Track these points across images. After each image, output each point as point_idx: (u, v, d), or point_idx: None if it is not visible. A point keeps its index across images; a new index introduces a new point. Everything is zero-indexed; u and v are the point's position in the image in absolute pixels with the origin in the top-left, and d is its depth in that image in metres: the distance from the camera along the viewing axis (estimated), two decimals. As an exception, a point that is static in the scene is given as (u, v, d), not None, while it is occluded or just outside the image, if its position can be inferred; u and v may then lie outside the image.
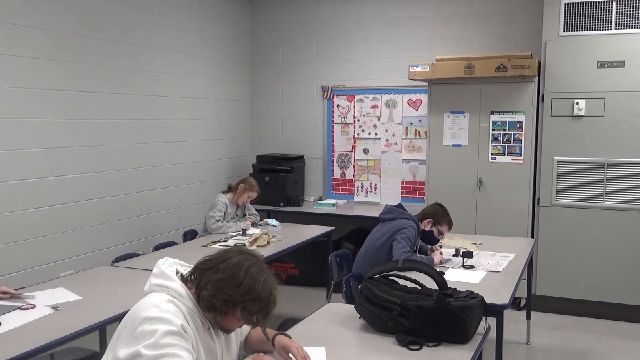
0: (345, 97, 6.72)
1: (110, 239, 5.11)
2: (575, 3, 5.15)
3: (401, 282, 2.81)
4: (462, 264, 3.85)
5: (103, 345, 3.49)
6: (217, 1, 6.47)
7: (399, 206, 4.26)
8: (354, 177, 6.78)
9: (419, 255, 4.05)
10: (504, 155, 5.45)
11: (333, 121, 6.80)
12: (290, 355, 2.22)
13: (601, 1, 5.07)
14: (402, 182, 6.54)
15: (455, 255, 4.02)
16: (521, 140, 5.39)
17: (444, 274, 3.41)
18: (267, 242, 4.53)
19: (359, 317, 2.76)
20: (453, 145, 5.62)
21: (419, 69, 5.52)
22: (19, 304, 2.93)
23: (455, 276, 3.55)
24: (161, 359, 1.79)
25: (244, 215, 5.39)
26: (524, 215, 5.41)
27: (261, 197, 5.45)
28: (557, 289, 5.40)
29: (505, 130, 5.44)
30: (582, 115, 5.21)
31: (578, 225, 5.30)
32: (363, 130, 6.67)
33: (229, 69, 6.72)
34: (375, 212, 4.55)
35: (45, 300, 3.01)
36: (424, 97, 6.18)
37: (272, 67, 7.02)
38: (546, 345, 4.74)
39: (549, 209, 5.38)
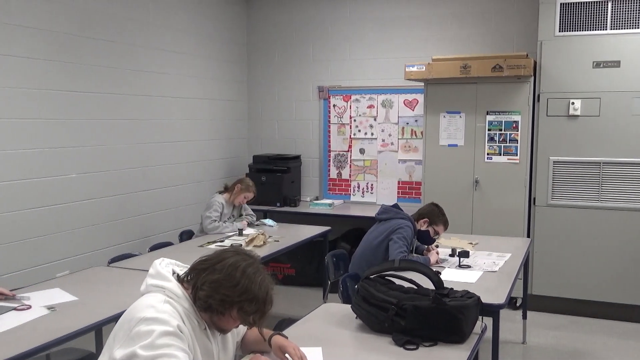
0: (342, 97, 6.72)
1: (106, 240, 5.10)
2: (571, 3, 5.16)
3: (397, 282, 2.81)
4: (458, 263, 3.86)
5: (99, 346, 3.48)
6: (213, 1, 6.46)
7: (395, 206, 4.27)
8: (350, 177, 6.78)
9: (415, 255, 4.05)
10: (500, 155, 5.46)
11: (329, 121, 6.81)
12: (286, 355, 2.22)
13: (597, 1, 5.08)
14: (399, 182, 6.55)
15: (452, 255, 4.03)
16: (517, 140, 5.40)
17: (440, 273, 3.41)
18: (264, 242, 4.53)
19: (356, 317, 2.77)
20: (449, 145, 5.63)
21: (415, 69, 5.53)
22: (15, 305, 2.92)
23: (451, 276, 3.56)
24: (157, 359, 1.79)
25: (241, 215, 5.39)
26: (520, 215, 5.42)
27: (257, 197, 5.45)
28: (553, 289, 5.41)
29: (501, 130, 5.45)
30: (577, 115, 5.22)
31: (574, 225, 5.31)
32: (359, 130, 6.68)
33: (225, 69, 6.72)
34: (372, 212, 4.55)
35: (41, 301, 3.01)
36: (420, 97, 6.19)
37: (268, 67, 7.02)
38: (542, 344, 4.75)
39: (544, 209, 5.39)
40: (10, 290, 3.09)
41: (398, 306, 2.56)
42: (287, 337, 2.31)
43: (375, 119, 6.59)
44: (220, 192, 5.27)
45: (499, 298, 3.14)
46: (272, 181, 6.38)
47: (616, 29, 5.05)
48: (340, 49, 6.67)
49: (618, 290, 5.22)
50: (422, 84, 5.72)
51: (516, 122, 5.39)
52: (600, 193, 5.22)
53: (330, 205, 6.32)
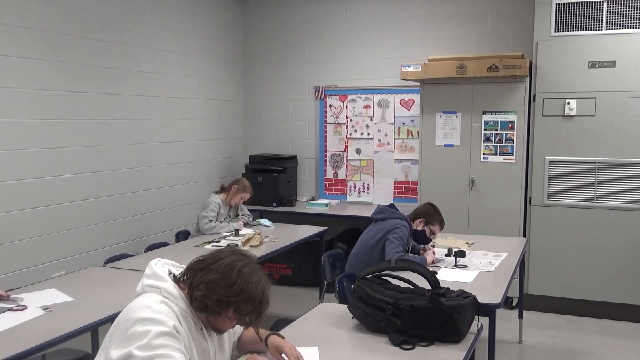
0: (338, 97, 6.72)
1: (102, 240, 5.09)
2: (567, 3, 5.17)
3: (394, 281, 2.81)
4: (454, 263, 3.86)
5: (95, 346, 3.47)
6: (209, 1, 6.46)
7: (391, 206, 4.27)
8: (346, 177, 6.78)
9: (411, 255, 4.06)
10: (496, 155, 5.47)
11: (325, 121, 6.80)
12: (283, 355, 2.21)
13: (592, 1, 5.09)
14: (395, 182, 6.56)
15: (448, 255, 4.03)
16: (513, 140, 5.41)
17: (436, 273, 3.42)
18: (260, 242, 4.52)
19: (352, 317, 2.77)
20: (445, 145, 5.63)
21: (411, 69, 5.53)
22: (10, 305, 2.91)
23: (447, 276, 3.56)
24: (154, 359, 1.79)
25: (237, 215, 5.39)
26: (516, 215, 5.43)
27: (254, 197, 5.44)
28: (548, 288, 5.42)
29: (497, 130, 5.45)
30: (573, 115, 5.23)
31: (569, 225, 5.32)
32: (355, 130, 6.68)
33: (222, 69, 6.71)
34: (368, 212, 4.55)
35: (37, 302, 3.00)
36: (416, 97, 6.19)
37: (264, 67, 7.01)
38: (538, 344, 4.76)
39: (540, 209, 5.40)
40: (5, 291, 3.08)
41: (394, 306, 2.56)
42: (283, 337, 2.31)
43: (371, 119, 6.60)
44: (216, 192, 5.26)
45: (495, 298, 3.14)
46: (268, 181, 6.38)
47: (612, 29, 5.06)
48: (336, 49, 6.67)
49: (614, 289, 5.23)
50: (418, 84, 5.73)
51: (512, 122, 5.40)
52: (595, 193, 5.23)
53: (326, 205, 6.32)
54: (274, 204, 6.38)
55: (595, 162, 5.21)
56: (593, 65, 5.14)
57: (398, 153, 6.51)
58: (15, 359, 2.37)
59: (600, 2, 5.07)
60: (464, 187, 5.58)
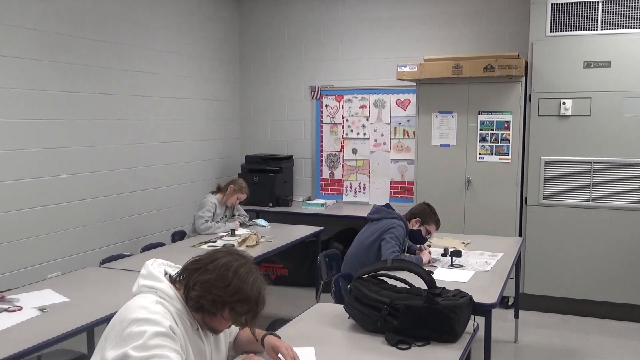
0: (334, 97, 6.72)
1: (98, 240, 5.08)
2: (562, 4, 5.18)
3: (390, 281, 2.81)
4: (450, 263, 3.87)
5: (91, 347, 3.46)
6: (205, 1, 6.45)
7: (387, 206, 4.27)
8: (342, 177, 6.78)
9: (407, 254, 4.06)
10: (492, 154, 5.48)
11: (321, 121, 6.81)
12: (279, 355, 2.21)
13: (587, 2, 5.11)
14: (391, 182, 6.56)
15: (444, 255, 4.03)
16: (509, 140, 5.42)
17: (432, 273, 3.42)
18: (256, 242, 4.52)
19: (348, 317, 2.77)
20: (441, 145, 5.64)
21: (407, 69, 5.54)
22: (6, 306, 2.90)
23: (443, 275, 3.57)
24: (150, 360, 1.79)
25: (233, 216, 5.38)
26: (511, 215, 5.44)
27: (250, 198, 5.43)
28: (544, 288, 5.43)
29: (493, 130, 5.46)
30: (568, 115, 5.25)
31: (565, 224, 5.34)
32: (352, 130, 6.68)
33: (217, 69, 6.70)
34: (364, 212, 4.55)
35: (32, 302, 2.99)
36: (412, 97, 6.20)
37: (260, 67, 7.01)
38: (534, 343, 4.77)
39: (536, 208, 5.41)
40: (1, 292, 3.08)
41: (391, 306, 2.56)
42: (280, 337, 2.31)
43: (367, 119, 6.60)
44: (213, 193, 5.25)
45: (491, 297, 3.15)
46: (264, 181, 6.37)
47: (607, 29, 5.08)
48: (332, 49, 6.68)
49: (610, 288, 5.24)
50: (414, 84, 5.73)
51: (508, 122, 5.41)
52: (591, 192, 5.25)
53: (322, 205, 6.32)
54: (270, 204, 6.38)
55: (591, 162, 5.22)
56: (588, 65, 5.15)
57: (394, 153, 6.52)
58: (12, 359, 2.37)
59: (595, 2, 5.09)
60: (460, 187, 5.58)
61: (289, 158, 6.80)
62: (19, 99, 4.33)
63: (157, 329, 1.83)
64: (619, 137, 5.12)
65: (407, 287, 2.75)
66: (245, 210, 5.53)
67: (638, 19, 4.99)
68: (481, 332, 2.90)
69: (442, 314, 2.50)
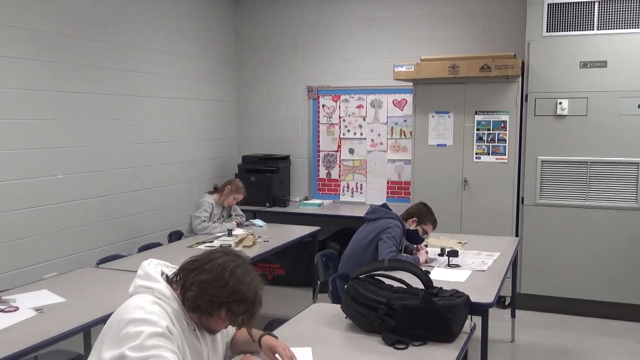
0: (331, 97, 6.72)
1: (94, 241, 5.07)
2: (558, 4, 5.19)
3: (387, 281, 2.81)
4: (447, 263, 3.87)
5: (88, 347, 3.46)
6: (202, 1, 6.44)
7: (384, 206, 4.28)
8: (339, 177, 6.78)
9: (404, 254, 4.06)
10: (489, 154, 5.48)
11: (318, 121, 6.80)
12: (276, 355, 2.21)
13: (584, 2, 5.12)
14: (388, 182, 6.56)
15: (441, 255, 4.04)
16: (505, 140, 5.42)
17: (429, 273, 3.42)
18: (253, 242, 4.52)
19: (345, 317, 2.77)
20: (438, 145, 5.65)
21: (403, 69, 5.54)
22: (2, 307, 2.89)
23: (440, 275, 3.57)
24: (146, 360, 1.78)
25: (230, 216, 5.38)
26: (508, 214, 5.44)
27: (247, 198, 5.43)
28: (541, 287, 5.44)
29: (489, 130, 5.47)
30: (565, 115, 5.26)
31: (562, 224, 5.35)
32: (348, 130, 6.68)
33: (214, 69, 6.70)
34: (361, 212, 4.55)
35: (29, 303, 2.98)
36: (409, 97, 6.20)
37: (257, 66, 7.00)
38: (531, 343, 4.78)
39: (533, 208, 5.42)
40: (-4, 293, 3.07)
41: (388, 306, 2.56)
42: (277, 337, 2.31)
43: (364, 119, 6.60)
44: (209, 193, 5.25)
45: (488, 297, 3.15)
46: (261, 181, 6.37)
47: (603, 29, 5.09)
48: (329, 49, 6.68)
49: (606, 288, 5.25)
50: (411, 84, 5.73)
51: (504, 121, 5.42)
52: (587, 192, 5.26)
53: (319, 205, 6.32)
54: (267, 204, 6.38)
55: (587, 162, 5.23)
56: (584, 65, 5.16)
57: (391, 153, 6.52)
58: (8, 360, 2.37)
59: (591, 2, 5.10)
60: (457, 187, 5.59)
61: (286, 158, 6.80)
62: (16, 98, 4.31)
63: (153, 329, 1.83)
64: (615, 137, 5.13)
65: (404, 287, 2.76)
66: (242, 210, 5.53)
67: (634, 19, 5.00)
68: (478, 332, 2.91)
69: (439, 314, 2.50)
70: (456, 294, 2.66)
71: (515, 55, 5.34)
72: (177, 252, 4.29)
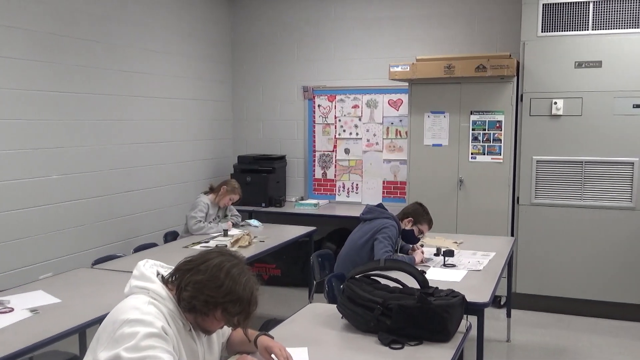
0: (326, 97, 6.72)
1: (89, 241, 5.06)
2: (553, 4, 5.20)
3: (383, 281, 2.82)
4: (443, 263, 3.88)
5: (83, 348, 3.45)
6: (197, 1, 6.43)
7: (380, 206, 4.27)
8: (335, 177, 6.78)
9: (400, 254, 4.06)
10: (484, 154, 5.49)
11: (314, 121, 6.81)
12: (272, 355, 2.21)
13: (579, 2, 5.13)
14: (383, 182, 6.57)
15: (437, 255, 4.04)
16: (501, 140, 5.43)
17: (425, 273, 3.43)
18: (249, 242, 4.52)
19: (341, 317, 2.77)
20: (433, 145, 5.65)
21: (399, 69, 5.55)
22: (-3, 308, 2.89)
23: (436, 275, 3.58)
24: (142, 361, 1.78)
25: (226, 216, 5.37)
26: (504, 214, 5.45)
27: (242, 198, 5.42)
28: (536, 287, 5.45)
29: (485, 129, 5.48)
30: (560, 115, 5.27)
31: (557, 224, 5.36)
32: (344, 130, 6.68)
33: (210, 69, 6.69)
34: (357, 212, 4.55)
35: (24, 304, 2.97)
36: (404, 97, 6.21)
37: (252, 67, 7.00)
38: (526, 342, 4.79)
39: (528, 208, 5.43)
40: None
41: (384, 306, 2.56)
42: (273, 338, 2.31)
43: (360, 119, 6.60)
44: (205, 193, 5.24)
45: (484, 297, 3.15)
46: (257, 181, 6.37)
47: (598, 29, 5.10)
48: (324, 49, 6.68)
49: (602, 287, 5.27)
50: (407, 84, 5.74)
51: (500, 121, 5.43)
52: (582, 192, 5.27)
53: (315, 205, 6.32)
54: (263, 204, 6.38)
55: (582, 162, 5.25)
56: (579, 65, 5.18)
57: (387, 153, 6.52)
58: (3, 361, 2.36)
59: (586, 2, 5.11)
60: (452, 187, 5.60)
61: (282, 158, 6.80)
62: (10, 98, 4.30)
63: (149, 329, 1.83)
64: (610, 137, 5.15)
65: (400, 287, 2.76)
66: (238, 211, 5.52)
67: (629, 19, 5.02)
68: (474, 332, 2.91)
69: (435, 314, 2.51)
70: (452, 293, 2.67)
71: (510, 55, 5.36)
72: (172, 252, 4.28)
